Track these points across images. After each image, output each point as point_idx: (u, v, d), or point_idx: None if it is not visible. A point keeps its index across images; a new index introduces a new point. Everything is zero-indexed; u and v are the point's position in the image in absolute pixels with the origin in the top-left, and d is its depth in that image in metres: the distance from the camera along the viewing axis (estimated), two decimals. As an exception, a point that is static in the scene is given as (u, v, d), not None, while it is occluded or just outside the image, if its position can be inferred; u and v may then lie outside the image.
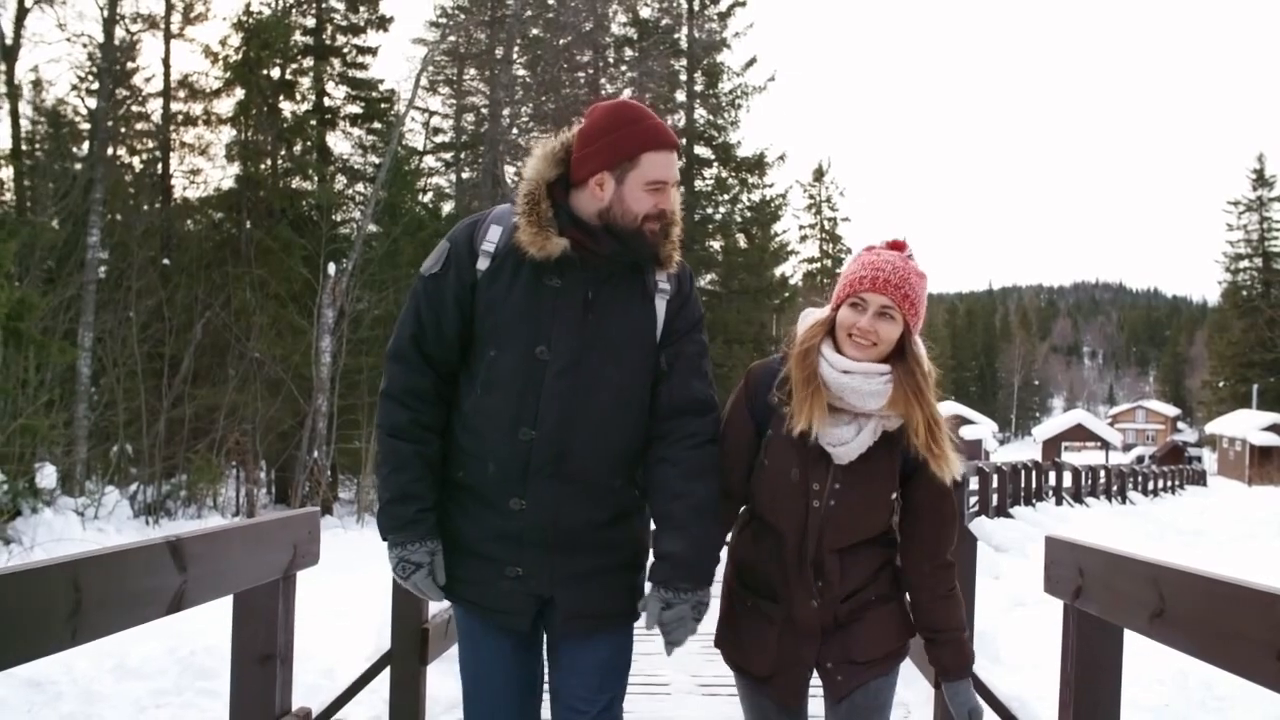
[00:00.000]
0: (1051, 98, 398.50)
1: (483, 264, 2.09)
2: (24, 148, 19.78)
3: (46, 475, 11.90)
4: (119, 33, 19.45)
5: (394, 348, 2.19)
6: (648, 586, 2.17)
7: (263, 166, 20.99)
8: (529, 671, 2.24)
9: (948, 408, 61.12)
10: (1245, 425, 49.17)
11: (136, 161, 22.06)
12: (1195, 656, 1.85)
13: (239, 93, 20.89)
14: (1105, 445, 62.16)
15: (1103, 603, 2.24)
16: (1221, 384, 58.93)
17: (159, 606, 2.00)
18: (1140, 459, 52.62)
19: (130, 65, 20.81)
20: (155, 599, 1.98)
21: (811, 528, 2.11)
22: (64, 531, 11.30)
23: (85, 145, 21.04)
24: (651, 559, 2.16)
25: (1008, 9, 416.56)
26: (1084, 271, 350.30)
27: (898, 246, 2.17)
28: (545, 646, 2.28)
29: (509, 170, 23.78)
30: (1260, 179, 59.11)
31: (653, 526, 2.19)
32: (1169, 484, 28.34)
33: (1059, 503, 17.64)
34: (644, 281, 2.14)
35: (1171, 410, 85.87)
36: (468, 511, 2.13)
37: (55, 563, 1.71)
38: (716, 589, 2.25)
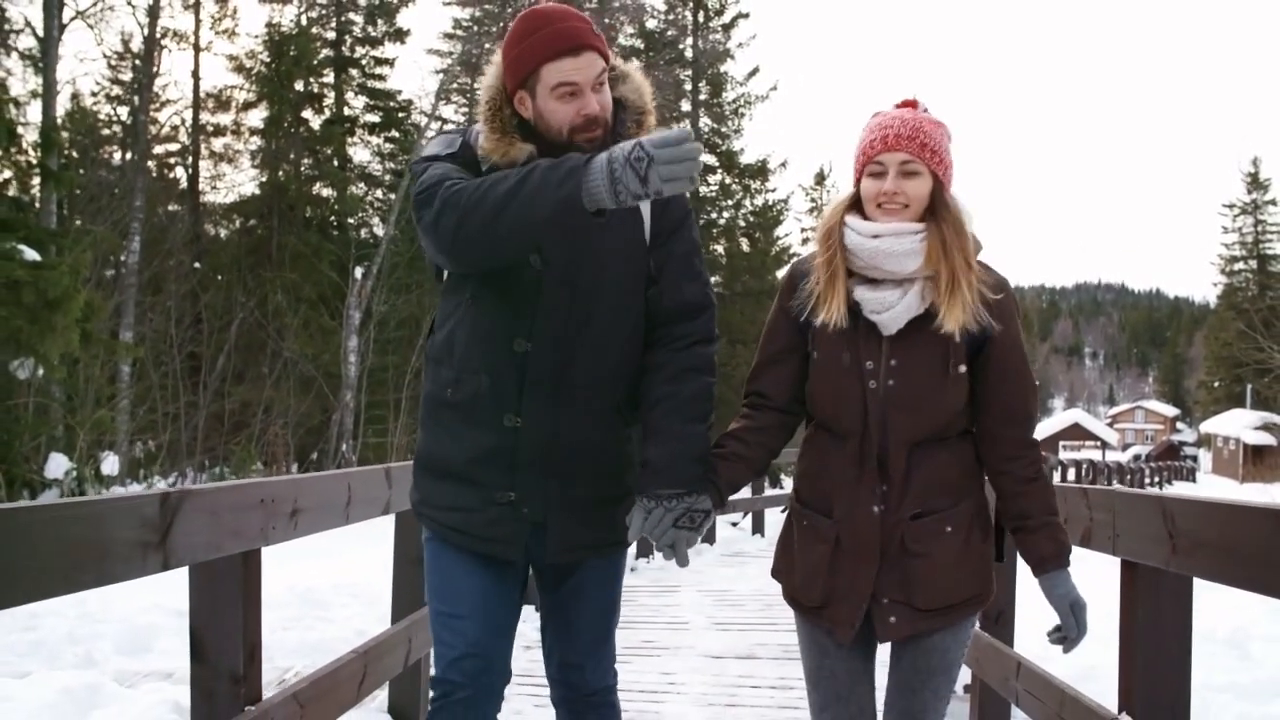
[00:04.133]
0: (1054, 98, 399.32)
1: (484, 165, 1.97)
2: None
3: (110, 464, 13.03)
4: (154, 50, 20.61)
5: (440, 174, 1.91)
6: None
7: (287, 173, 22.07)
8: (510, 600, 2.08)
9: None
10: (1239, 424, 50.12)
11: (165, 169, 23.19)
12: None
13: (266, 103, 22.02)
14: (1103, 444, 63.20)
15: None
16: (1217, 384, 59.81)
17: (378, 509, 3.10)
18: (1137, 457, 53.66)
19: (159, 75, 21.98)
20: (378, 504, 3.09)
21: (873, 413, 1.93)
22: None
23: (113, 151, 22.27)
24: None
25: (1011, 10, 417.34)
26: (1086, 272, 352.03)
27: (910, 104, 2.04)
28: (536, 592, 2.16)
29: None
30: (1255, 182, 59.90)
31: None
32: (1155, 480, 29.44)
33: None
34: None
35: (1170, 410, 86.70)
36: (453, 433, 2.00)
37: (338, 473, 2.82)
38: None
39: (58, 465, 12.28)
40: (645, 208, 2.02)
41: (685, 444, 1.95)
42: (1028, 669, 2.93)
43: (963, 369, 1.95)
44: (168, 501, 1.92)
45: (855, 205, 2.00)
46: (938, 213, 1.95)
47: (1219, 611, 5.75)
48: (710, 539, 10.39)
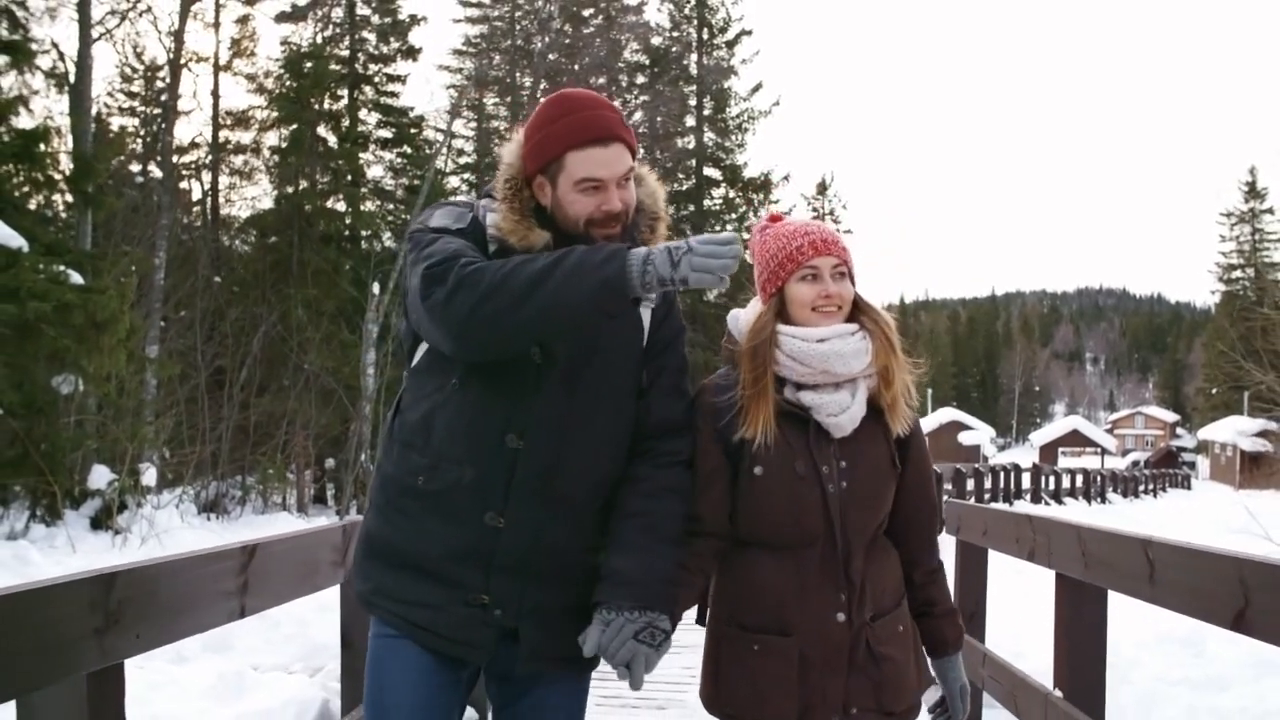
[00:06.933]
0: (1056, 102, 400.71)
1: (491, 246, 1.88)
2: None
3: (148, 475, 13.73)
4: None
5: (454, 248, 1.79)
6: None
7: (306, 190, 22.78)
8: (458, 710, 1.96)
9: (946, 414, 62.90)
10: (1236, 431, 50.63)
11: (180, 178, 23.90)
12: (994, 549, 3.66)
13: (285, 119, 22.75)
14: (1101, 451, 63.77)
15: (968, 533, 4.04)
16: (1215, 391, 60.35)
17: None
18: (1135, 464, 54.33)
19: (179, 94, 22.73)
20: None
21: (835, 518, 1.92)
22: (167, 524, 13.14)
23: (130, 162, 23.00)
24: None
25: (1013, 14, 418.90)
26: (1087, 277, 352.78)
27: (778, 219, 2.11)
28: (492, 695, 2.03)
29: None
30: (1252, 191, 60.53)
31: None
32: (1150, 487, 30.13)
33: (1036, 501, 19.44)
34: None
35: (1170, 416, 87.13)
36: (420, 525, 1.86)
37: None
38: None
39: (100, 476, 12.98)
40: (646, 317, 1.98)
41: (658, 561, 1.87)
42: (991, 658, 3.64)
43: (899, 466, 2.01)
44: (346, 531, 2.62)
45: (775, 315, 1.99)
46: (864, 311, 2.01)
47: (1173, 613, 6.45)
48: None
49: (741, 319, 2.08)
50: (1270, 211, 60.41)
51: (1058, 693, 2.93)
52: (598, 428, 1.89)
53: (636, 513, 1.89)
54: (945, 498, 14.90)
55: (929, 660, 2.09)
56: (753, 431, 1.92)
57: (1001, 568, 6.04)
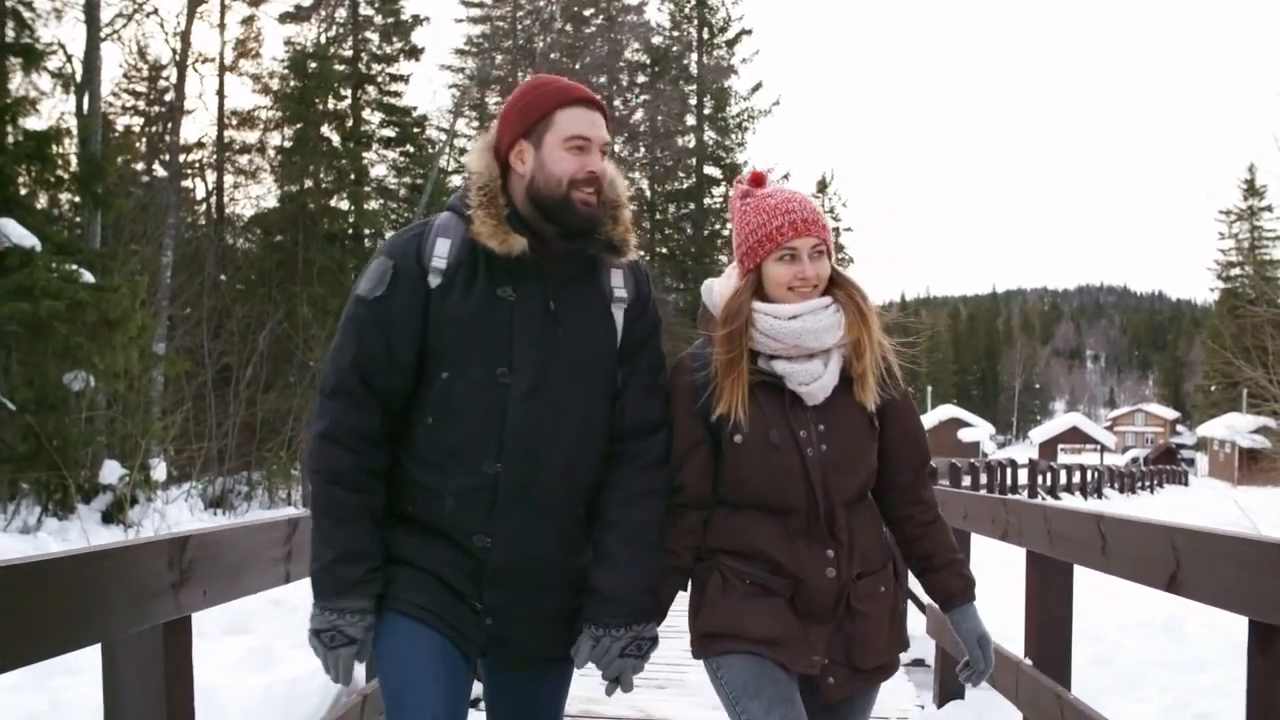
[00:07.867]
0: (1058, 100, 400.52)
1: (434, 280, 1.89)
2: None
3: (159, 470, 13.96)
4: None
5: (335, 383, 1.90)
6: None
7: (311, 189, 23.04)
8: (466, 695, 2.00)
9: (946, 410, 63.11)
10: (1233, 428, 50.80)
11: (185, 176, 24.12)
12: (974, 531, 3.90)
13: (289, 119, 23.00)
14: (1101, 448, 63.96)
15: (949, 518, 4.27)
16: (1214, 388, 60.48)
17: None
18: (1135, 460, 54.53)
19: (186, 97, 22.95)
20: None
21: (816, 481, 1.95)
22: (177, 518, 13.39)
23: (135, 161, 23.22)
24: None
25: (1014, 12, 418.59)
26: (1088, 274, 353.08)
27: (760, 180, 2.09)
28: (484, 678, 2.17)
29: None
30: (1251, 189, 60.64)
31: None
32: (1147, 483, 30.38)
33: (1033, 497, 19.68)
34: (601, 289, 1.99)
35: (1170, 413, 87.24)
36: (417, 544, 1.94)
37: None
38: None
39: (111, 471, 13.21)
40: (619, 311, 2.00)
41: (637, 574, 1.94)
42: (969, 634, 3.89)
43: (877, 426, 2.03)
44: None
45: (752, 293, 2.00)
46: (840, 284, 2.02)
47: (1156, 601, 6.70)
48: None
49: (716, 290, 2.08)
50: (1269, 209, 60.47)
51: (1027, 661, 3.18)
52: (569, 437, 1.92)
53: (615, 522, 1.95)
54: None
55: (948, 620, 2.07)
56: (727, 409, 1.95)
57: (991, 559, 6.28)
